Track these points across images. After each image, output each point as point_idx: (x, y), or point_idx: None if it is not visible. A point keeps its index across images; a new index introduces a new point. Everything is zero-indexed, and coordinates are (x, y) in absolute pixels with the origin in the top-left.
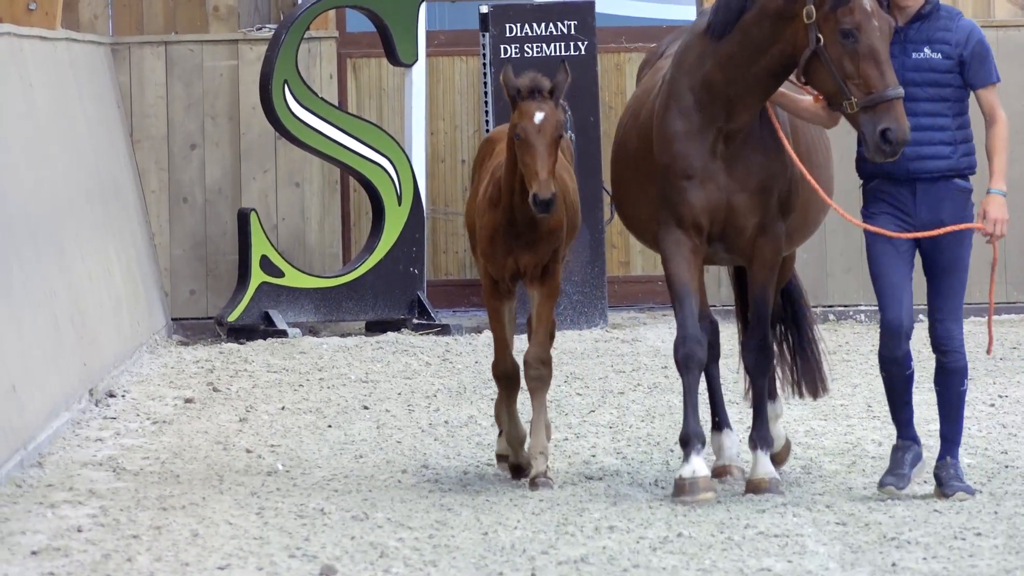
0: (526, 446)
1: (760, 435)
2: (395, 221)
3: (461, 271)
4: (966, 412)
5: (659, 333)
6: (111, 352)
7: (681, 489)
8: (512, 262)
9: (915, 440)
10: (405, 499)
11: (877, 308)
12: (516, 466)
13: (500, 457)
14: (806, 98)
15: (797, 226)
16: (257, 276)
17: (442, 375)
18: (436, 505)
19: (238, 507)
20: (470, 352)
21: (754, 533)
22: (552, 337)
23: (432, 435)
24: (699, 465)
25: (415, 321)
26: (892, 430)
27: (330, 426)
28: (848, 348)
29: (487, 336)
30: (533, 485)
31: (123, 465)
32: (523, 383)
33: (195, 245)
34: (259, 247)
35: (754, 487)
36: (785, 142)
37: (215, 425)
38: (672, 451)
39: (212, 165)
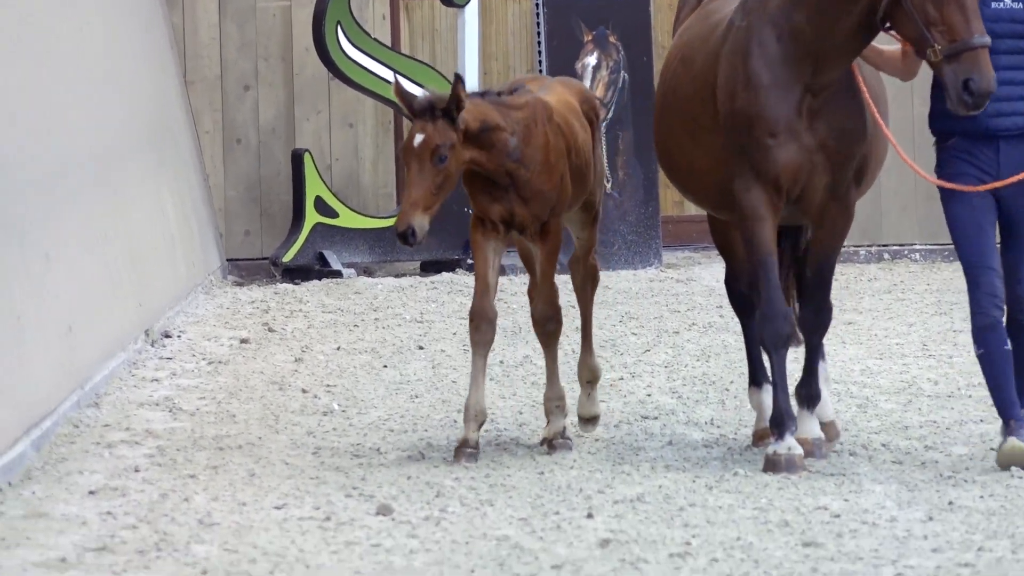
0: (482, 423)
1: (807, 392)
2: None
3: None
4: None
5: (713, 273)
6: (166, 293)
7: (776, 464)
8: (502, 210)
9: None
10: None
11: (934, 248)
12: (463, 441)
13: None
14: (889, 48)
15: (867, 180)
16: (311, 217)
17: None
18: (492, 444)
19: (294, 447)
20: (524, 292)
21: (810, 472)
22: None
23: (487, 375)
24: (793, 443)
25: (469, 261)
26: (948, 368)
27: (385, 366)
28: (903, 287)
29: None
30: (550, 447)
31: (179, 405)
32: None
33: (249, 186)
34: (313, 188)
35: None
36: (870, 102)
37: (271, 365)
38: (727, 390)
39: (265, 106)
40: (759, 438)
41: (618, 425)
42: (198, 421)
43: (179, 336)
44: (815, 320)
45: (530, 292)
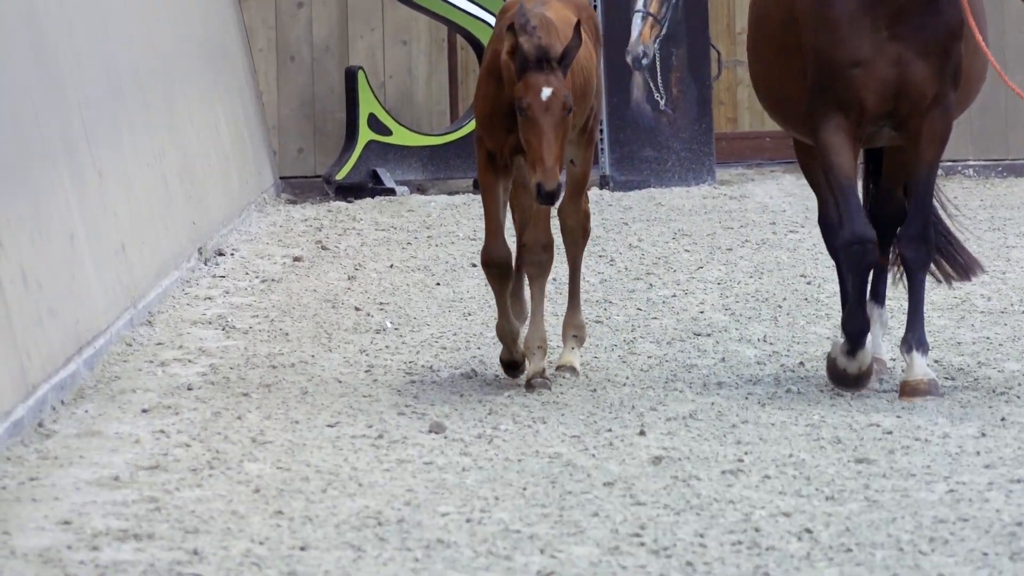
0: (521, 340)
1: (916, 336)
2: None
3: None
4: None
5: (767, 189)
6: (220, 211)
7: (844, 381)
8: (513, 139)
9: None
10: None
11: (988, 164)
12: (511, 362)
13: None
14: None
15: (961, 96)
16: (365, 134)
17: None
18: (545, 362)
19: (347, 365)
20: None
21: (863, 391)
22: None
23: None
24: (866, 358)
25: None
26: (1001, 284)
27: (438, 284)
28: (956, 203)
29: (594, 193)
30: (529, 387)
31: (232, 323)
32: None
33: (303, 104)
34: (367, 105)
35: (911, 390)
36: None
37: (324, 283)
38: (780, 307)
39: (319, 23)
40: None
41: (670, 342)
42: (251, 339)
43: (232, 254)
44: (916, 252)
45: (520, 232)
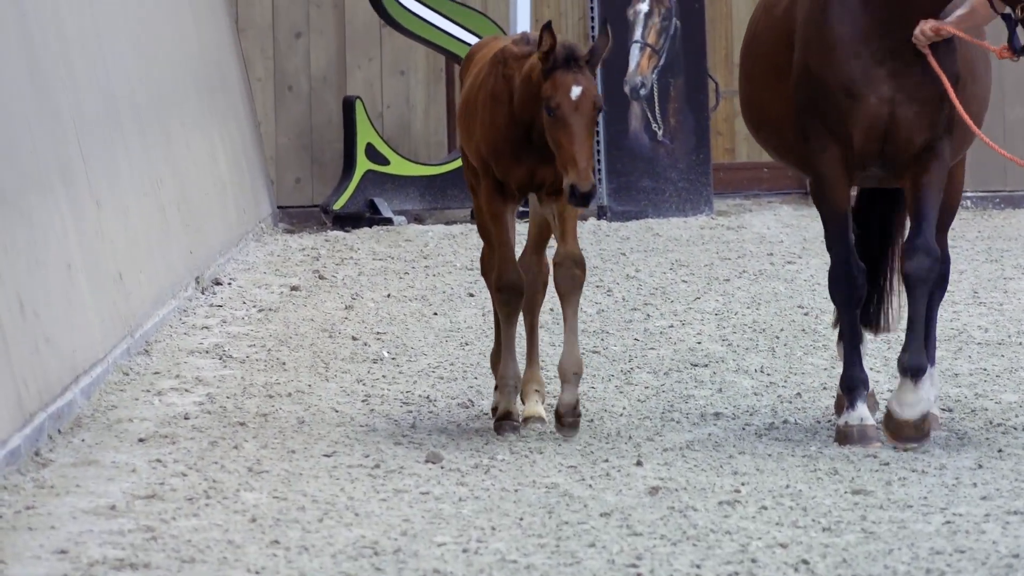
0: (531, 394)
1: (910, 358)
2: None
3: None
4: None
5: (764, 220)
6: (217, 240)
7: (848, 437)
8: (524, 173)
9: None
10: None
11: (986, 195)
12: (506, 413)
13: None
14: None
15: (956, 142)
16: (363, 164)
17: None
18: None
19: (344, 394)
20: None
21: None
22: (582, 280)
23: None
24: (865, 412)
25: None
26: (999, 316)
27: (436, 313)
28: (954, 234)
29: (592, 223)
30: (560, 424)
31: (229, 352)
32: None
33: (300, 133)
34: (364, 135)
35: (896, 430)
36: (960, 35)
37: (321, 312)
38: (777, 338)
39: (317, 53)
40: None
41: (668, 373)
42: (248, 369)
43: (229, 283)
44: (918, 264)
45: (520, 261)
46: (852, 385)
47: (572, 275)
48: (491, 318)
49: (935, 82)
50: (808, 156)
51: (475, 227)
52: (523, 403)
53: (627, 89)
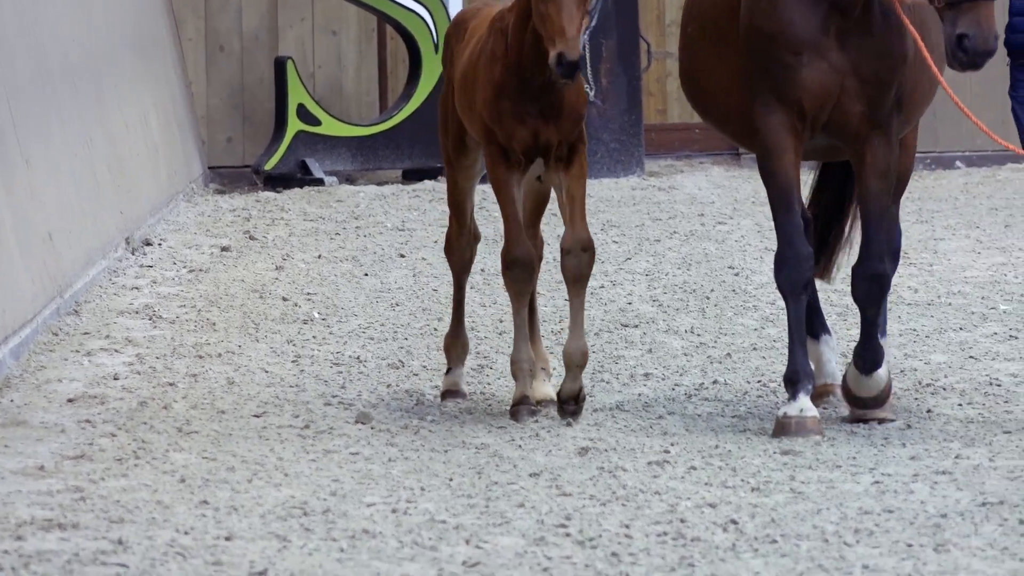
0: (538, 373)
1: (869, 355)
2: (432, 69)
3: None
4: (1001, 259)
5: (696, 181)
6: (148, 201)
7: (786, 428)
8: (528, 134)
9: None
10: (441, 347)
11: (916, 156)
12: (522, 397)
13: (448, 394)
14: None
15: (905, 115)
16: (294, 124)
17: (479, 223)
18: (472, 352)
19: (274, 355)
20: None
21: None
22: (591, 261)
23: (468, 283)
24: (807, 404)
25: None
26: (928, 276)
27: (366, 274)
28: None
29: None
30: (563, 413)
31: (159, 313)
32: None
33: (232, 93)
34: (296, 95)
35: (853, 400)
36: (907, 20)
37: (251, 273)
38: (708, 299)
39: (248, 13)
40: (817, 395)
41: (598, 333)
42: (178, 329)
43: (160, 244)
44: (868, 291)
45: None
46: (795, 378)
47: (580, 263)
48: (421, 279)
49: (886, 56)
50: (754, 124)
51: (406, 188)
52: (530, 384)
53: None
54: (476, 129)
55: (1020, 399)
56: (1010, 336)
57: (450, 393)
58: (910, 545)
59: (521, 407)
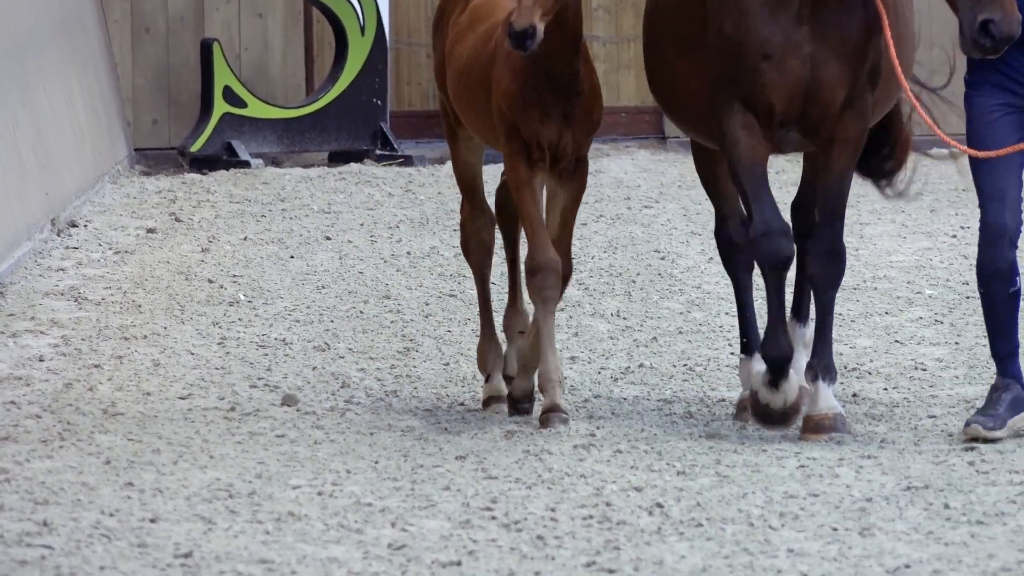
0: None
1: (823, 363)
2: (358, 52)
3: (424, 102)
4: (927, 243)
5: (622, 164)
6: (73, 182)
7: (768, 417)
8: (552, 133)
9: (1018, 378)
10: (367, 329)
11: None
12: (554, 406)
13: (491, 400)
14: None
15: (881, 95)
16: (220, 106)
17: (404, 206)
18: (398, 335)
19: (200, 337)
20: (433, 183)
21: (715, 365)
22: (566, 279)
23: (394, 266)
24: (792, 389)
25: (378, 152)
26: (854, 260)
27: (292, 256)
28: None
29: (449, 167)
30: (545, 422)
31: (85, 295)
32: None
33: (158, 75)
34: (222, 77)
35: (814, 426)
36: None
37: (177, 255)
38: (634, 282)
39: None
40: (743, 408)
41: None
42: (103, 311)
43: (85, 225)
44: (826, 269)
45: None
46: (776, 357)
47: (554, 285)
48: (347, 261)
49: (856, 33)
50: (719, 121)
51: (332, 170)
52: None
53: None
54: (478, 126)
55: (945, 383)
56: (935, 320)
57: (494, 399)
58: (835, 529)
59: (552, 415)
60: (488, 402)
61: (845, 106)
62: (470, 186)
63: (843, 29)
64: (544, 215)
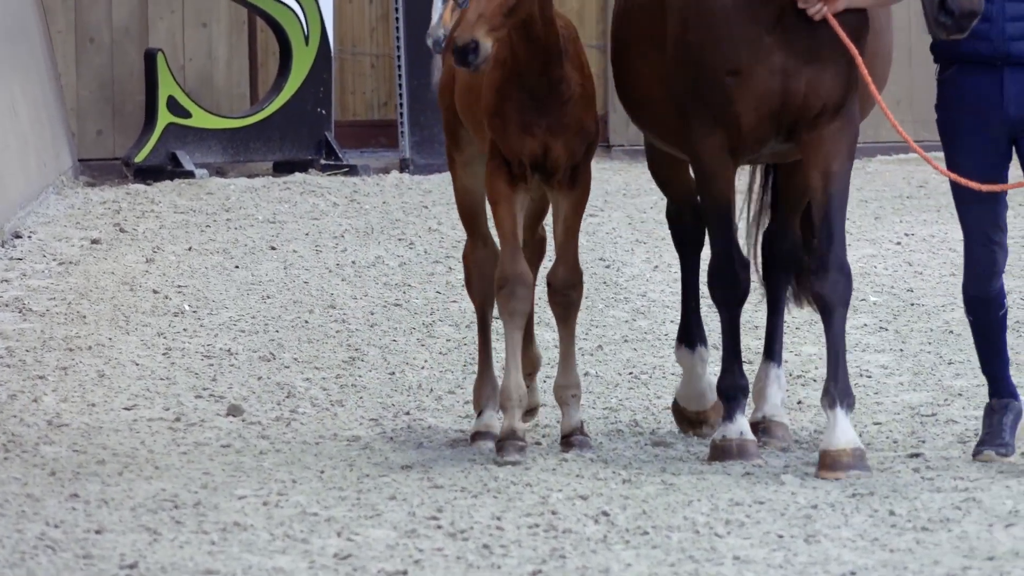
0: (522, 402)
1: (840, 387)
2: (302, 61)
3: (368, 112)
4: (871, 251)
5: None
6: (17, 193)
7: (727, 452)
8: (535, 145)
9: (1014, 395)
10: (312, 339)
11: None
12: (510, 432)
13: (478, 435)
14: None
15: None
16: (164, 117)
17: (349, 215)
18: (343, 345)
19: (145, 348)
20: (377, 192)
21: (661, 373)
22: (580, 292)
23: (339, 275)
24: (745, 425)
25: (322, 162)
26: None
27: (237, 267)
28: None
29: (395, 176)
30: (567, 445)
31: (29, 306)
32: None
33: (102, 85)
34: (166, 88)
35: (831, 463)
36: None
37: (122, 266)
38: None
39: (119, 5)
40: (685, 419)
41: (469, 326)
42: (48, 322)
43: (29, 237)
44: (833, 286)
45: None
46: (731, 394)
47: (569, 301)
48: (292, 271)
49: (834, 37)
50: (690, 142)
51: (277, 180)
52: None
53: (430, 42)
54: (480, 137)
55: (890, 390)
56: (880, 328)
57: (481, 435)
58: (781, 536)
59: (508, 443)
60: (476, 436)
61: (832, 116)
62: (470, 215)
63: (818, 32)
64: (520, 232)
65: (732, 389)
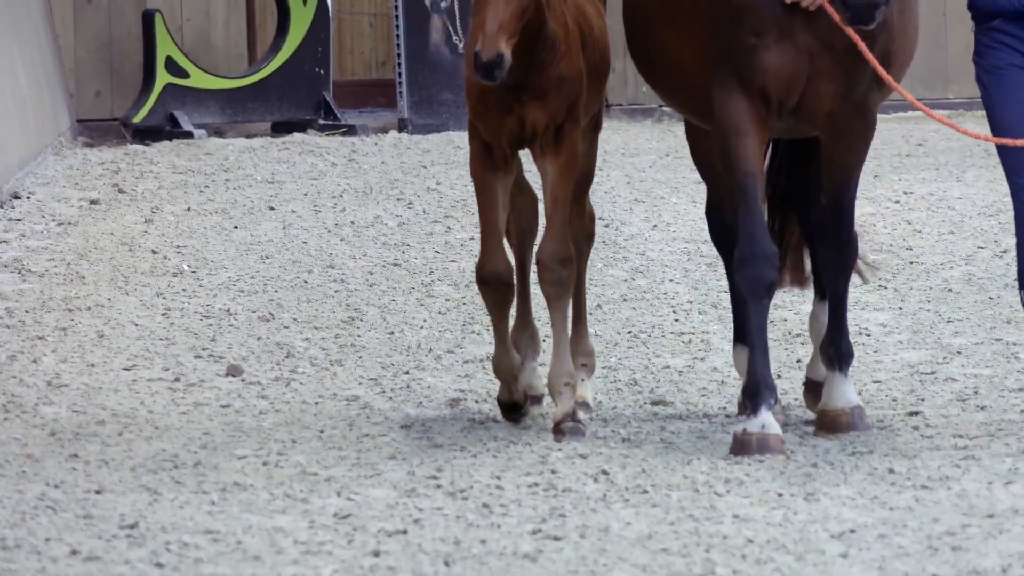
0: (523, 377)
1: (838, 349)
2: (300, 21)
3: (367, 71)
4: (870, 209)
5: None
6: (16, 154)
7: (746, 446)
8: (513, 122)
9: None
10: (311, 299)
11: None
12: (511, 404)
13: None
14: None
15: (893, 73)
16: (162, 77)
17: (348, 175)
18: (342, 305)
19: (144, 308)
20: (376, 152)
21: (659, 332)
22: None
23: (338, 235)
24: (769, 419)
25: (321, 122)
26: None
27: (236, 227)
28: None
29: (393, 136)
30: (558, 433)
31: (28, 266)
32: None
33: (100, 46)
34: (164, 48)
35: (830, 423)
36: None
37: (120, 226)
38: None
39: None
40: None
41: (468, 285)
42: (47, 282)
43: (28, 197)
44: (837, 261)
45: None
46: (756, 390)
47: (559, 278)
48: (291, 231)
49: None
50: (713, 105)
51: (275, 140)
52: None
53: (427, 2)
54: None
55: (889, 348)
56: (879, 286)
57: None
58: (780, 495)
59: (506, 410)
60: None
61: (850, 106)
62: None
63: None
64: (503, 222)
65: (758, 386)
